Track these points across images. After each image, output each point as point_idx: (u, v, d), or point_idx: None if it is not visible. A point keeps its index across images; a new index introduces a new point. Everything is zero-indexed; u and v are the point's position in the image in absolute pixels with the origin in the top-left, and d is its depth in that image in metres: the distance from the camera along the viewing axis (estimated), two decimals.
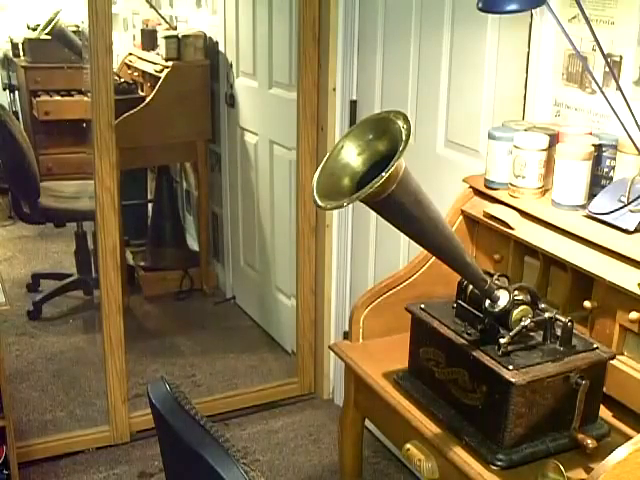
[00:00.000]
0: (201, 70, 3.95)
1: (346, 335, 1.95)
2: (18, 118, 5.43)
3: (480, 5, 1.49)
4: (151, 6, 4.57)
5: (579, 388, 1.42)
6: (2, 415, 2.38)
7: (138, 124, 3.80)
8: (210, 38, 4.01)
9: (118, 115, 3.20)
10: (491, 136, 1.82)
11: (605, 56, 1.68)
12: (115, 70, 4.19)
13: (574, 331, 1.48)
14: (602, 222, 1.57)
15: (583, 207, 1.65)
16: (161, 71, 3.90)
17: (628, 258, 1.46)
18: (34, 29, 5.30)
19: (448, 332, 1.54)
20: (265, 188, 3.66)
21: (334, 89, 2.94)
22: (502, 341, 1.43)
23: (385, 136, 1.26)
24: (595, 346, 1.48)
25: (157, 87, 3.85)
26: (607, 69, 1.79)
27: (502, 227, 1.75)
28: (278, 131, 3.47)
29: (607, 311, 1.55)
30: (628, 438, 1.31)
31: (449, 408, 1.56)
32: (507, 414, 1.40)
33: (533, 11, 1.96)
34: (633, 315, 1.47)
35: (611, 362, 1.49)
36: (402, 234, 1.46)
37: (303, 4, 2.90)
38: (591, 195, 1.67)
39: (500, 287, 1.48)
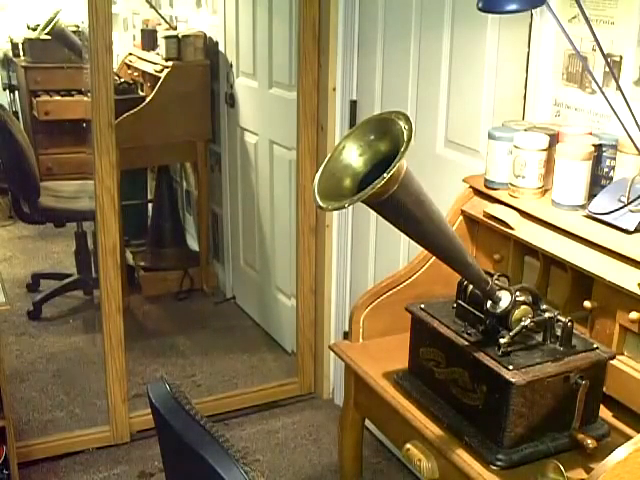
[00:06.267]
0: (201, 70, 3.95)
1: (346, 335, 1.95)
2: (18, 118, 5.43)
3: (480, 5, 1.49)
4: (151, 6, 4.57)
5: (579, 388, 1.42)
6: (2, 415, 2.38)
7: (138, 124, 3.80)
8: (210, 38, 4.01)
9: (118, 115, 3.21)
10: (491, 136, 1.82)
11: (605, 56, 1.68)
12: (115, 70, 4.19)
13: (574, 331, 1.48)
14: (602, 222, 1.58)
15: (583, 207, 1.65)
16: (161, 71, 3.91)
17: (628, 258, 1.46)
18: (34, 29, 5.30)
19: (448, 332, 1.54)
20: (265, 188, 3.67)
21: (334, 89, 2.94)
22: (502, 341, 1.43)
23: (386, 137, 1.26)
24: (595, 346, 1.48)
25: (157, 87, 3.86)
26: (607, 69, 1.79)
27: (502, 227, 1.75)
28: (278, 131, 3.47)
29: (607, 311, 1.55)
30: (628, 438, 1.31)
31: (449, 408, 1.56)
32: (507, 414, 1.40)
33: (533, 11, 1.96)
34: (633, 315, 1.47)
35: (611, 362, 1.49)
36: (402, 234, 1.46)
37: (303, 4, 2.90)
38: (591, 195, 1.67)
39: (502, 288, 1.48)
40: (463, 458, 1.44)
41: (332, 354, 2.01)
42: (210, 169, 4.22)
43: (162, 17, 4.46)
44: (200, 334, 3.82)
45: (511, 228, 1.72)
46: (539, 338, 1.49)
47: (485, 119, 2.25)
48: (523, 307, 1.47)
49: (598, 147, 1.70)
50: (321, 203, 1.26)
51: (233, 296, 4.19)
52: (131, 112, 3.78)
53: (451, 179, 2.28)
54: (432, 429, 1.54)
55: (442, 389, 1.58)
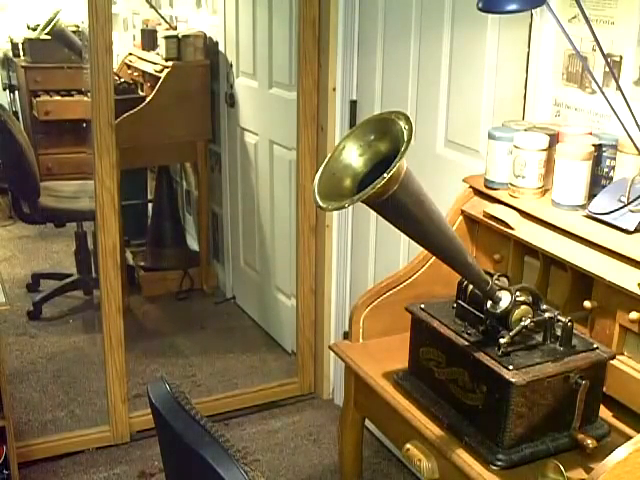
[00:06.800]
0: (201, 70, 3.95)
1: (346, 335, 1.95)
2: (18, 118, 5.43)
3: (480, 5, 1.49)
4: (151, 6, 4.57)
5: (579, 388, 1.42)
6: (2, 415, 2.38)
7: (138, 124, 3.80)
8: (210, 38, 4.01)
9: (118, 115, 3.20)
10: (491, 136, 1.82)
11: (605, 56, 1.68)
12: (115, 70, 4.19)
13: (574, 331, 1.48)
14: (602, 222, 1.58)
15: (583, 207, 1.65)
16: (161, 71, 3.91)
17: (628, 258, 1.46)
18: (34, 29, 5.30)
19: (448, 332, 1.54)
20: (265, 188, 3.67)
21: (334, 89, 2.94)
22: (502, 341, 1.43)
23: (386, 137, 1.26)
24: (595, 346, 1.48)
25: (157, 87, 3.86)
26: (607, 69, 1.79)
27: (502, 227, 1.75)
28: (278, 131, 3.47)
29: (607, 311, 1.55)
30: (628, 438, 1.31)
31: (449, 408, 1.56)
32: (507, 414, 1.40)
33: (533, 11, 1.96)
34: (633, 315, 1.47)
35: (611, 362, 1.50)
36: (402, 234, 1.46)
37: (303, 4, 2.90)
38: (591, 195, 1.67)
39: (502, 288, 1.48)
40: (463, 458, 1.44)
41: (332, 354, 2.01)
42: (210, 169, 4.22)
43: (162, 17, 4.46)
44: (200, 334, 3.82)
45: (511, 228, 1.72)
46: (539, 338, 1.49)
47: (485, 119, 2.25)
48: (523, 307, 1.47)
49: (598, 147, 1.70)
50: (321, 203, 1.26)
51: (233, 296, 4.19)
52: (131, 112, 3.78)
53: (451, 179, 2.28)
54: (432, 429, 1.54)
55: (442, 389, 1.58)
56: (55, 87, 5.23)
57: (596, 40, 1.56)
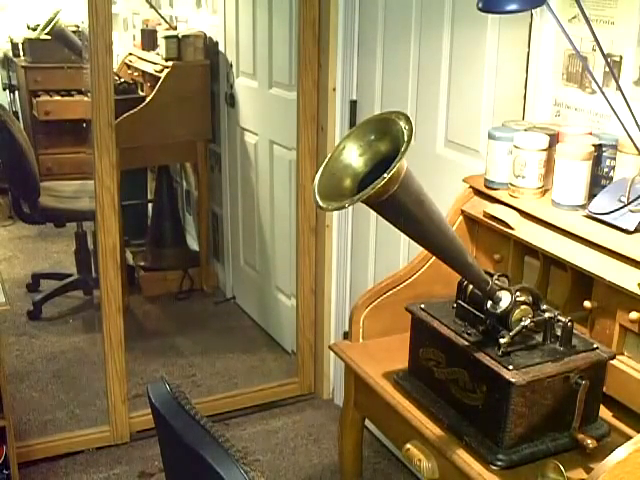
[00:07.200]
0: (201, 70, 3.95)
1: (346, 335, 1.95)
2: (18, 118, 5.43)
3: (480, 5, 1.49)
4: (151, 6, 4.57)
5: (579, 388, 1.42)
6: (2, 415, 2.38)
7: (138, 124, 3.80)
8: (210, 38, 4.01)
9: (118, 115, 3.21)
10: (491, 136, 1.82)
11: (605, 56, 1.68)
12: (115, 70, 4.19)
13: (574, 331, 1.48)
14: (602, 222, 1.58)
15: (583, 207, 1.65)
16: (161, 71, 3.91)
17: (628, 258, 1.46)
18: (34, 29, 5.30)
19: (448, 332, 1.54)
20: (265, 188, 3.67)
21: (334, 89, 2.94)
22: (502, 341, 1.43)
23: (386, 137, 1.26)
24: (595, 346, 1.48)
25: (157, 87, 3.86)
26: (607, 69, 1.79)
27: (502, 227, 1.75)
28: (278, 131, 3.47)
29: (607, 311, 1.55)
30: (628, 438, 1.31)
31: (449, 408, 1.56)
32: (507, 414, 1.40)
33: (533, 11, 1.96)
34: (633, 315, 1.47)
35: (611, 362, 1.49)
36: (402, 234, 1.45)
37: (303, 4, 2.90)
38: (591, 195, 1.67)
39: (502, 288, 1.48)
40: (463, 458, 1.44)
41: (332, 354, 2.01)
42: (210, 169, 4.22)
43: (162, 17, 4.46)
44: (200, 334, 3.82)
45: (511, 228, 1.72)
46: (539, 338, 1.49)
47: (485, 119, 2.25)
48: (523, 307, 1.47)
49: (598, 147, 1.70)
50: (321, 203, 1.26)
51: (233, 296, 4.19)
52: (131, 112, 3.78)
53: (451, 179, 2.28)
54: (432, 429, 1.54)
55: (442, 389, 1.58)
56: (55, 87, 5.23)
57: (596, 40, 1.56)
